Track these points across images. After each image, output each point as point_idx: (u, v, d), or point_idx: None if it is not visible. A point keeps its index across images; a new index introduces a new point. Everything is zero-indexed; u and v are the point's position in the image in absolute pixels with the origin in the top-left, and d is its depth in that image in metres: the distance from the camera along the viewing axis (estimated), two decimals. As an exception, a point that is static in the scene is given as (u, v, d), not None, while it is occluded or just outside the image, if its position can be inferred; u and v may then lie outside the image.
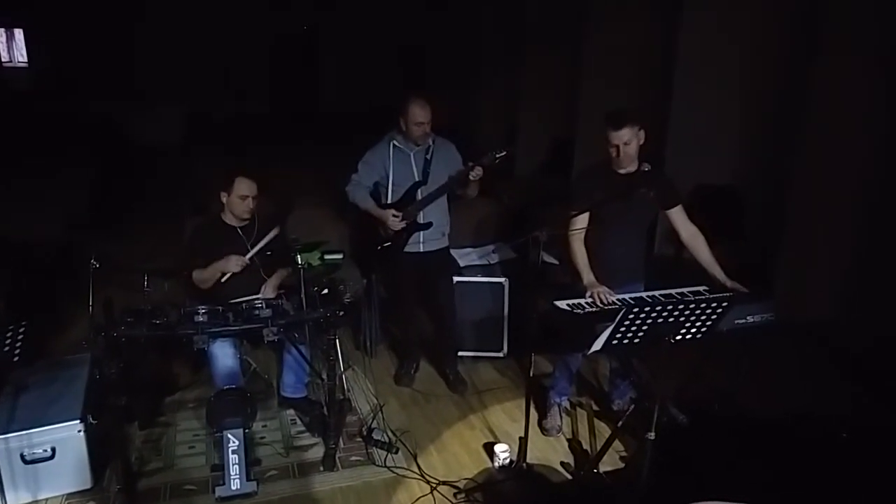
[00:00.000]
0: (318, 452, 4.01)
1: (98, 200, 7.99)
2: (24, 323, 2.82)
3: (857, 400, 3.88)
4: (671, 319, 2.93)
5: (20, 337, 2.82)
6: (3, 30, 13.38)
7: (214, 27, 13.13)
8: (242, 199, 4.10)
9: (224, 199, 4.13)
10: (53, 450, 3.46)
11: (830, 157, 4.72)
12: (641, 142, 3.74)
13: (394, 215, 4.40)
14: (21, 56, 13.55)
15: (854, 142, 4.62)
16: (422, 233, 4.51)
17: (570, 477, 3.85)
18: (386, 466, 3.90)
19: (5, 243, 5.77)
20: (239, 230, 4.19)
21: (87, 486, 3.60)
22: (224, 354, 3.89)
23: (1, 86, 13.27)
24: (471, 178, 4.27)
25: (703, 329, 3.03)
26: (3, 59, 13.58)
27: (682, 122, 5.92)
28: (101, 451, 3.67)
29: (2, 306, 4.84)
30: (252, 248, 4.13)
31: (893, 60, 4.37)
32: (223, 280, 4.04)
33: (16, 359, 2.87)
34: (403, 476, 3.84)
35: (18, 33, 13.28)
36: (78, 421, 3.48)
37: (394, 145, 4.43)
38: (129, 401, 3.86)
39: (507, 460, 3.87)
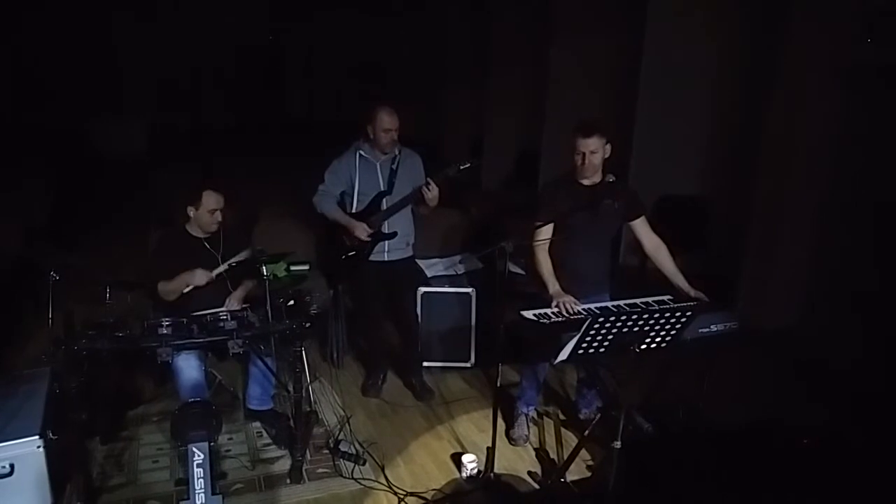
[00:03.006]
0: (284, 465, 3.98)
1: (59, 212, 7.84)
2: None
3: (819, 407, 3.95)
4: (636, 329, 2.96)
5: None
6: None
7: (179, 38, 13.02)
8: (211, 212, 4.08)
9: (192, 213, 4.10)
10: (12, 466, 3.36)
11: (792, 166, 4.82)
12: (607, 155, 3.80)
13: (364, 228, 4.41)
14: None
15: (814, 151, 4.72)
16: (387, 242, 4.52)
17: (537, 486, 3.86)
18: (353, 478, 3.88)
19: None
20: (205, 242, 4.16)
21: (48, 503, 3.51)
22: (189, 367, 3.83)
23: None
24: (423, 193, 4.31)
25: (668, 338, 3.06)
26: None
27: (646, 135, 6.00)
28: (61, 467, 3.57)
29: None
30: (220, 260, 4.12)
31: (849, 74, 4.49)
32: (185, 291, 4.00)
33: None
34: (371, 488, 3.82)
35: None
36: (37, 436, 3.39)
37: (360, 155, 4.45)
38: (90, 415, 3.80)
39: (475, 470, 3.88)
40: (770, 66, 4.92)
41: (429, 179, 4.34)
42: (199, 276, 4.00)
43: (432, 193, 4.33)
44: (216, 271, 4.05)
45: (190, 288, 4.00)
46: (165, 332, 3.52)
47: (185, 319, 3.67)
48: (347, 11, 13.61)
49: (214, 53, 13.67)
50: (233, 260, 4.10)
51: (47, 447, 3.42)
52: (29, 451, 3.38)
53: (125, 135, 12.26)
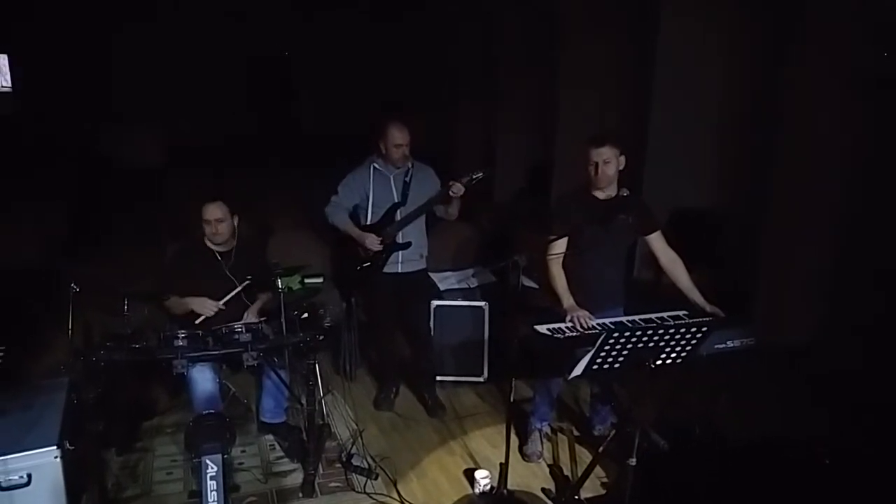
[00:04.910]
0: (297, 478, 3.98)
1: (78, 224, 7.92)
2: (2, 348, 2.78)
3: (837, 424, 3.91)
4: (651, 344, 2.95)
5: (-2, 362, 2.79)
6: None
7: (195, 51, 13.15)
8: (206, 223, 4.10)
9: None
10: (29, 476, 3.37)
11: (808, 181, 4.79)
12: (621, 167, 3.79)
13: (373, 238, 4.43)
14: (5, 81, 13.47)
15: (830, 166, 4.69)
16: (400, 253, 4.57)
17: (551, 503, 3.84)
18: (365, 493, 3.88)
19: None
20: (217, 255, 4.19)
21: (63, 513, 3.54)
22: (203, 379, 3.85)
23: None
24: (451, 194, 4.36)
25: (684, 354, 3.05)
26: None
27: (660, 148, 5.98)
28: (77, 478, 3.60)
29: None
30: (228, 272, 4.15)
31: (868, 86, 4.46)
32: (196, 322, 4.01)
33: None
34: (383, 502, 3.82)
35: (2, 59, 13.20)
36: (55, 447, 3.41)
37: (374, 168, 4.50)
38: (106, 426, 3.82)
39: (488, 486, 3.85)
40: (786, 77, 4.90)
41: (451, 181, 4.37)
42: (208, 307, 4.03)
43: (455, 188, 4.35)
44: (223, 301, 4.07)
45: (201, 318, 4.02)
46: (181, 343, 3.54)
47: (200, 332, 3.69)
48: (366, 27, 13.76)
49: (230, 65, 13.81)
50: (236, 291, 4.12)
51: (64, 457, 3.43)
52: (46, 462, 3.39)
53: (143, 147, 12.39)
